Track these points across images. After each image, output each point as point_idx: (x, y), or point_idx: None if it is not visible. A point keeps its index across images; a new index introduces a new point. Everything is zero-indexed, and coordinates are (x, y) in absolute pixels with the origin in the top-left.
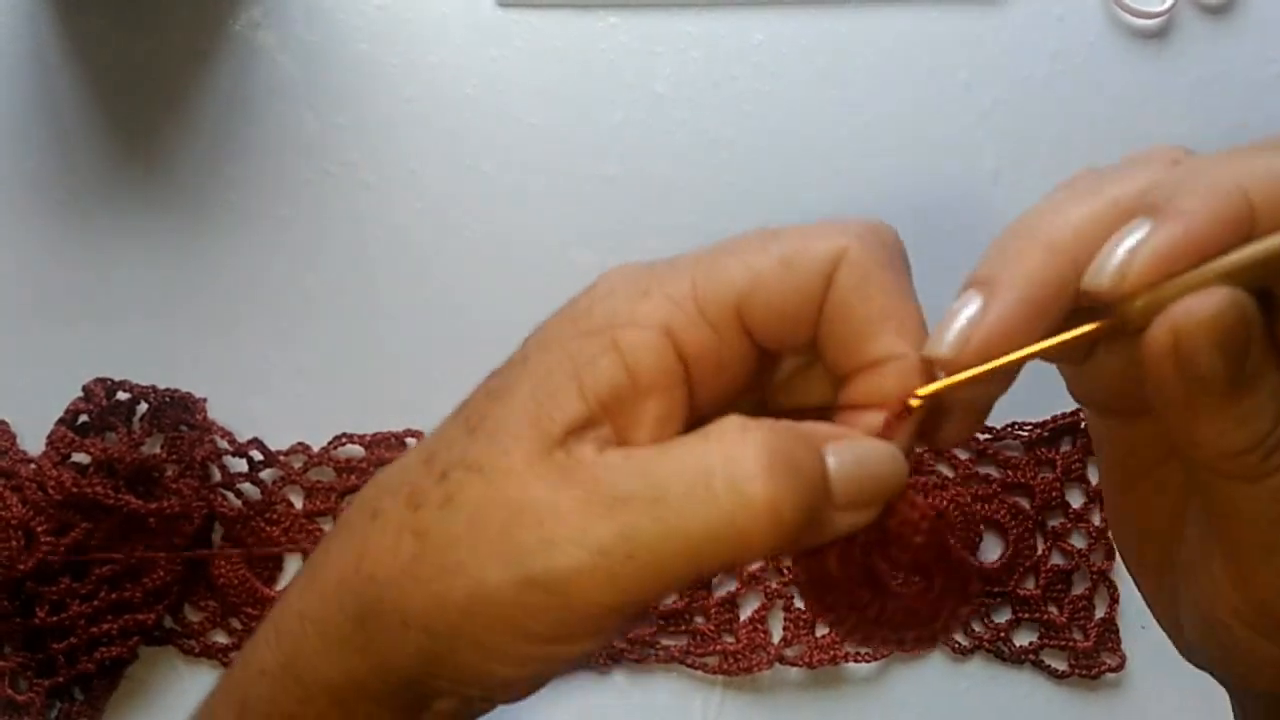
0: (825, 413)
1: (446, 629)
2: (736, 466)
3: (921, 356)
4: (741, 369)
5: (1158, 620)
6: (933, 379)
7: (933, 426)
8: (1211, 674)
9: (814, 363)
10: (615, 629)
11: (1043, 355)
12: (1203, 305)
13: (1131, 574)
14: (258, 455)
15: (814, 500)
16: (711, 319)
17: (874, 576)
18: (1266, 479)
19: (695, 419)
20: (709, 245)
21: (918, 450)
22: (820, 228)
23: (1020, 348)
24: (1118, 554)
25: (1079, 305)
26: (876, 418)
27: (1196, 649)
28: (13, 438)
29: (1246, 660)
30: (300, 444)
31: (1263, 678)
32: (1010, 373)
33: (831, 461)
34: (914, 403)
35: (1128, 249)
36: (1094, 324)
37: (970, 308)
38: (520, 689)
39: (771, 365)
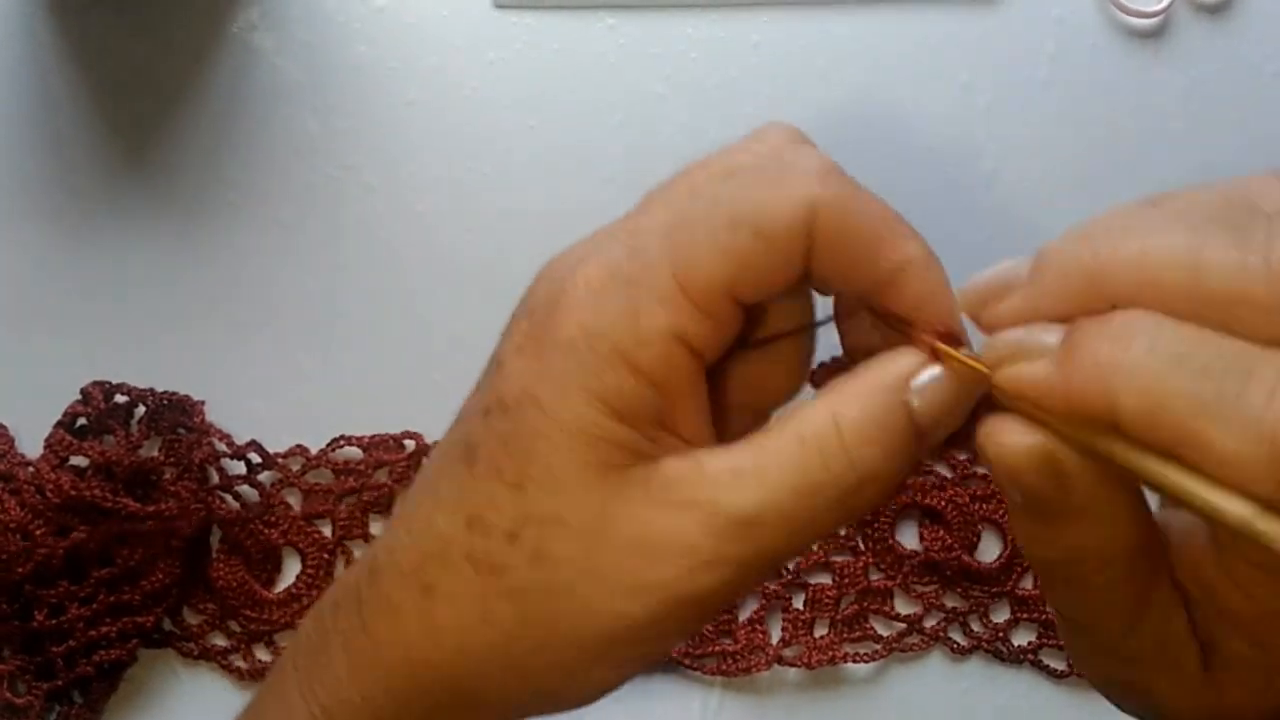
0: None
1: (582, 664)
2: (848, 477)
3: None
4: (738, 328)
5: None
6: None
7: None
8: None
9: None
10: None
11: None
12: (1013, 439)
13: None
14: (256, 458)
15: (910, 452)
16: (708, 310)
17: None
18: (1068, 590)
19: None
20: (658, 218)
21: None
22: (770, 188)
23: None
24: None
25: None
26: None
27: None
28: (10, 440)
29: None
30: (298, 446)
31: None
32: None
33: (917, 404)
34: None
35: (1017, 347)
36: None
37: (1016, 272)
38: (610, 691)
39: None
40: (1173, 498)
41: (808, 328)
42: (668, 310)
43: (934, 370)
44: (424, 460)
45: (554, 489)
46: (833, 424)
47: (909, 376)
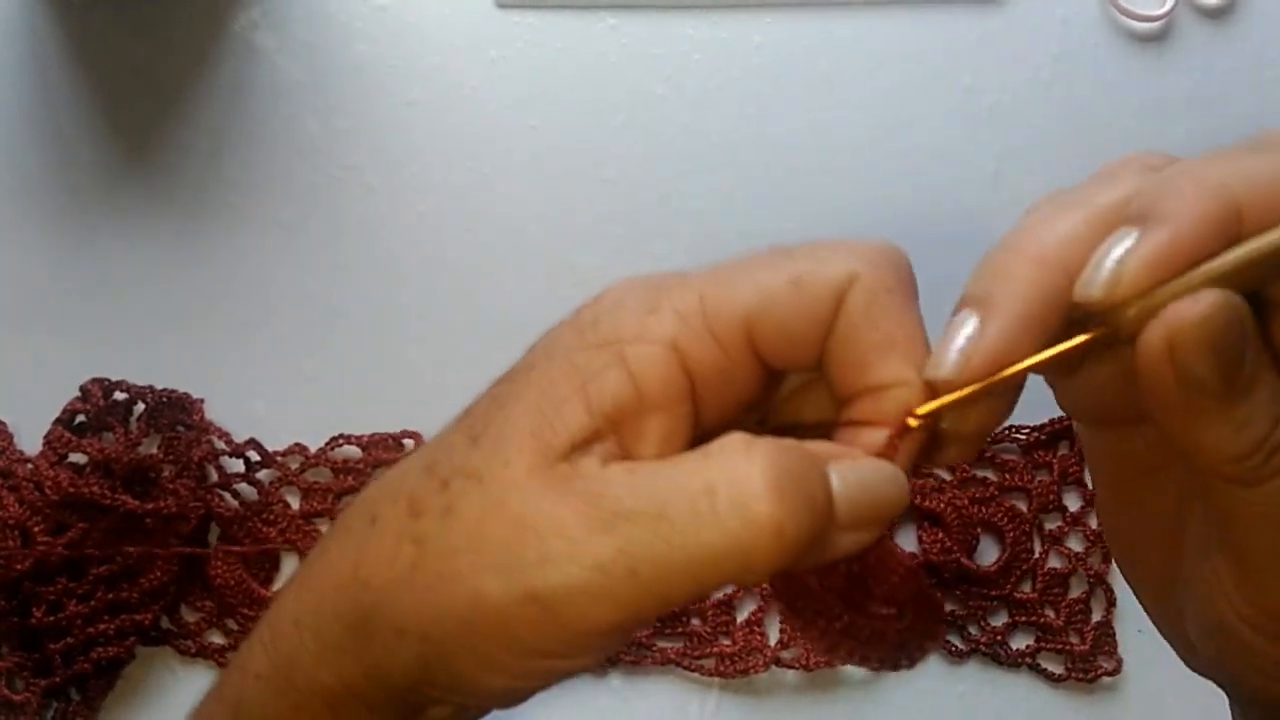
0: (825, 429)
1: (443, 637)
2: (741, 485)
3: (924, 379)
4: (746, 387)
5: (1160, 630)
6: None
7: (935, 447)
8: (1218, 683)
9: (816, 380)
10: (614, 644)
11: (1035, 369)
12: (1194, 309)
13: (1131, 586)
14: (255, 456)
15: (818, 520)
16: (719, 336)
17: (848, 593)
18: (1268, 482)
19: (700, 435)
20: (722, 260)
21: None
22: (832, 248)
23: (1019, 362)
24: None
25: (1072, 316)
26: (878, 435)
27: (1203, 658)
28: (10, 437)
29: (1256, 666)
30: (297, 445)
31: (1273, 684)
32: (1011, 392)
33: (836, 481)
34: (912, 422)
35: (1116, 258)
36: (1087, 335)
37: (968, 327)
38: (515, 698)
39: (775, 383)
40: None
41: (820, 425)
42: (678, 320)
43: (859, 464)
44: None
45: (494, 449)
46: (744, 446)
47: (831, 456)
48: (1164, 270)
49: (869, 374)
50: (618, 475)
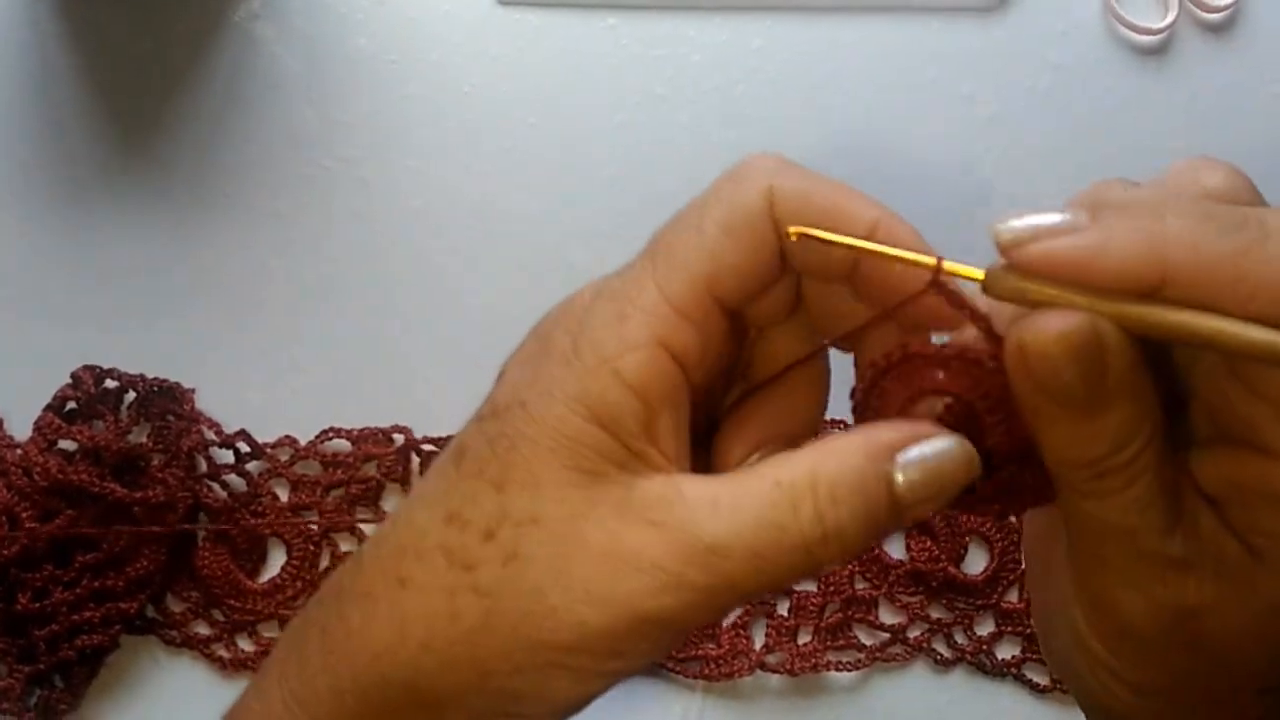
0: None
1: (539, 668)
2: (813, 529)
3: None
4: (725, 346)
5: (1038, 633)
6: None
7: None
8: (1076, 698)
9: (790, 317)
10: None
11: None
12: (1056, 324)
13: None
14: (244, 447)
15: (883, 523)
16: (689, 315)
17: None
18: (1099, 499)
19: (699, 401)
20: (645, 249)
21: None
22: (730, 185)
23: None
24: None
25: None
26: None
27: (1060, 664)
28: None
29: (1096, 674)
30: (287, 437)
31: (1112, 694)
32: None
33: (900, 479)
34: (938, 263)
35: (1041, 223)
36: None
37: (1074, 217)
38: (585, 704)
39: (746, 331)
40: (1208, 345)
41: (813, 354)
42: (651, 318)
43: (922, 448)
44: (412, 455)
45: (533, 491)
46: (810, 476)
47: (895, 448)
48: (1061, 274)
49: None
50: (699, 505)
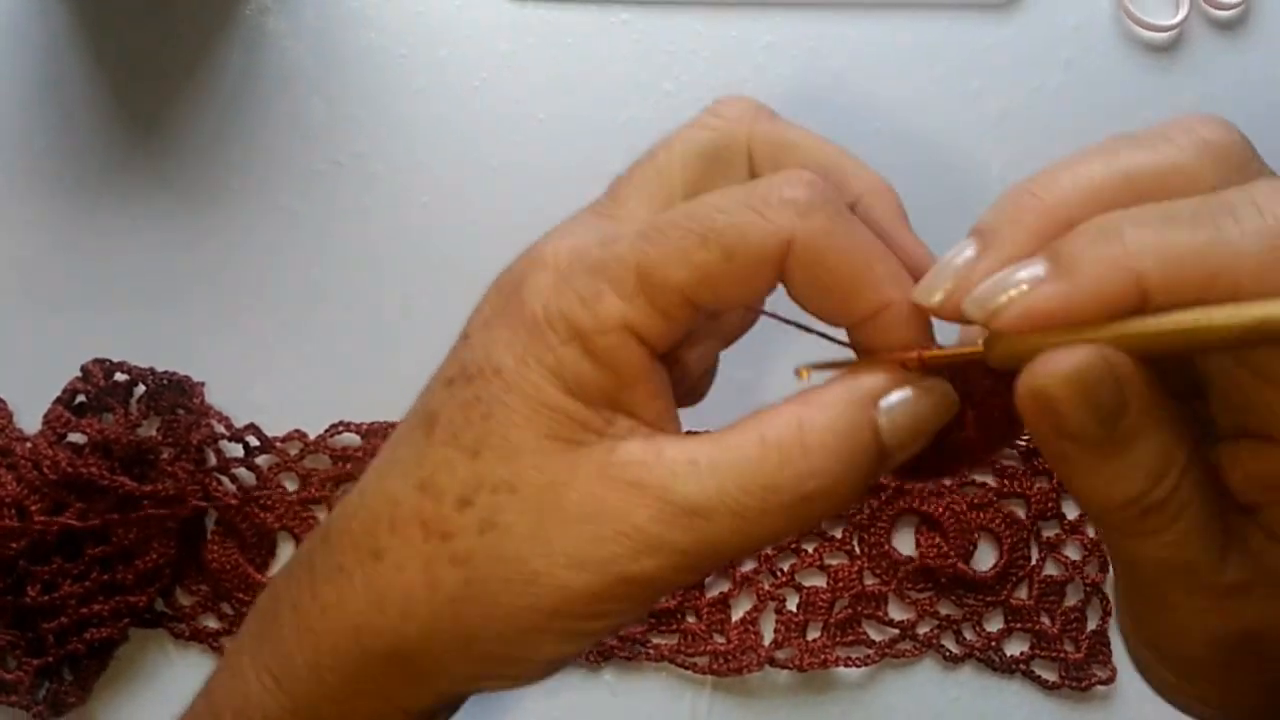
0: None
1: (524, 633)
2: (807, 482)
3: (913, 299)
4: (692, 326)
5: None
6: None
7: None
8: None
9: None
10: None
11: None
12: (1065, 363)
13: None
14: (254, 441)
15: (870, 469)
16: (663, 311)
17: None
18: (1146, 538)
19: (673, 364)
20: (635, 205)
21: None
22: (761, 209)
23: None
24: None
25: None
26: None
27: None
28: (9, 415)
29: (1180, 700)
30: (297, 431)
31: (1201, 713)
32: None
33: (884, 422)
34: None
35: (1007, 286)
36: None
37: (966, 253)
38: (561, 665)
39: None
40: (1211, 342)
41: (755, 314)
42: (625, 303)
43: (905, 392)
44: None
45: (509, 457)
46: (797, 429)
47: (879, 394)
48: (1047, 323)
49: (850, 309)
50: (677, 466)
